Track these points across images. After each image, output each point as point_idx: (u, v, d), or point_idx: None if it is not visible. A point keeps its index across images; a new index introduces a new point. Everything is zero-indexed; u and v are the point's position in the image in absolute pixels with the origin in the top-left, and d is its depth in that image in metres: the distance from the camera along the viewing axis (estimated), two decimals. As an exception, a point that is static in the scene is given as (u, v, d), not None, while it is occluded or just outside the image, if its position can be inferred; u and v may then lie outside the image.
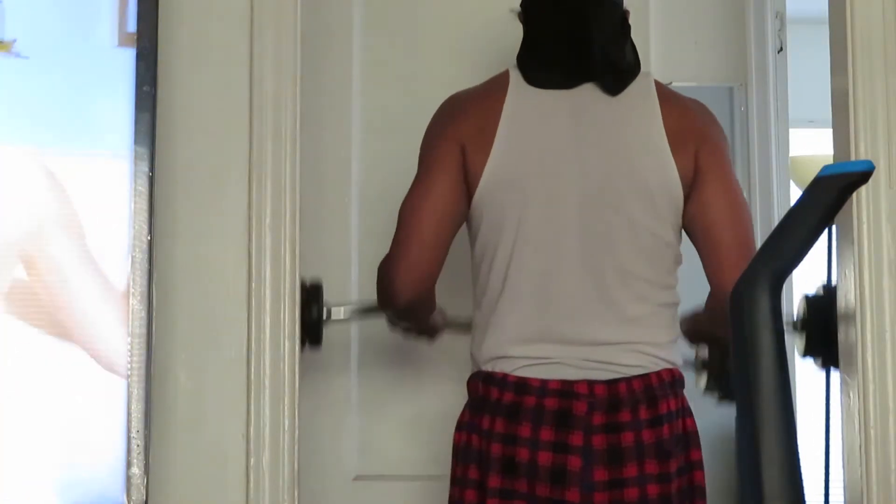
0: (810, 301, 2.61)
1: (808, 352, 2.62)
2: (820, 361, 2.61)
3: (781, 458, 1.42)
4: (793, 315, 2.63)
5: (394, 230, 2.49)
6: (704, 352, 2.63)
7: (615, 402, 2.34)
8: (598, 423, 2.33)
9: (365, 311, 2.80)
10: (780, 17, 3.43)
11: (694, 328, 2.58)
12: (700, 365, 2.64)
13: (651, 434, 2.34)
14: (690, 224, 2.44)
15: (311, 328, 2.62)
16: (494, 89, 2.47)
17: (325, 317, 2.66)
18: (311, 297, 2.63)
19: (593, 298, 2.38)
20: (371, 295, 2.57)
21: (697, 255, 2.48)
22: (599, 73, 2.44)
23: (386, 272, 2.49)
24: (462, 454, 2.41)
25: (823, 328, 2.58)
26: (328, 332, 2.66)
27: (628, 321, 2.38)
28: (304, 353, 2.59)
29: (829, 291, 2.59)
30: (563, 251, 2.39)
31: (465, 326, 2.53)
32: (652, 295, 2.41)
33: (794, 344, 2.66)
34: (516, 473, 2.33)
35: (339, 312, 2.77)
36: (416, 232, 2.44)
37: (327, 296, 2.67)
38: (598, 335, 2.37)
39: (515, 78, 2.46)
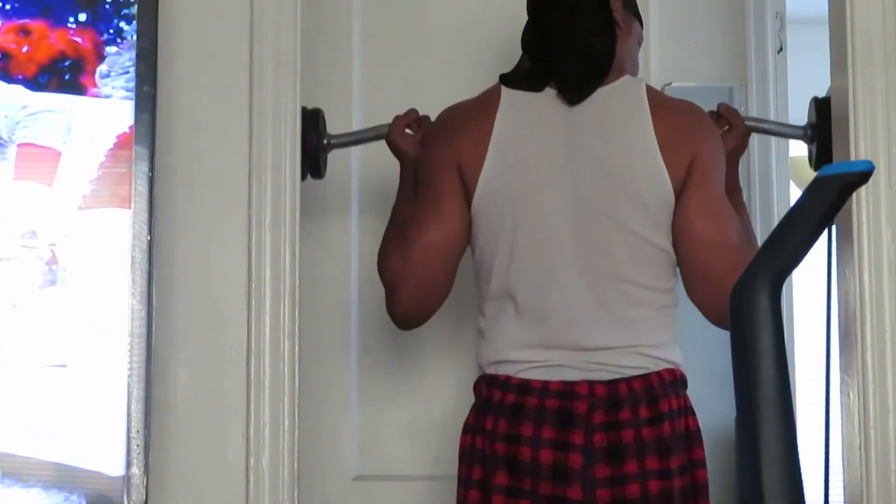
0: (820, 105, 2.66)
1: (819, 162, 2.66)
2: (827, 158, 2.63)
3: (781, 458, 1.42)
4: (793, 334, 2.63)
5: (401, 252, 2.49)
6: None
7: (615, 402, 2.35)
8: (599, 421, 2.34)
9: (364, 139, 2.81)
10: (780, 17, 3.42)
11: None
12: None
13: (651, 431, 2.34)
14: (673, 239, 2.42)
15: (312, 158, 2.65)
16: (487, 102, 2.46)
17: (325, 143, 2.68)
18: (310, 123, 2.65)
19: (591, 306, 2.38)
20: (370, 299, 2.56)
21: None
22: (567, 79, 2.42)
23: (390, 294, 2.49)
24: (467, 455, 2.42)
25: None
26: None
27: (627, 325, 2.38)
28: (305, 184, 2.60)
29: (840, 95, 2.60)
30: (559, 260, 2.39)
31: None
32: (650, 299, 2.40)
33: (805, 151, 2.72)
34: (519, 472, 2.34)
35: (339, 140, 2.77)
36: (423, 265, 2.45)
37: (325, 294, 2.67)
38: (598, 341, 2.37)
39: (507, 89, 2.46)
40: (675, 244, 2.42)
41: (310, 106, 2.67)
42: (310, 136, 2.64)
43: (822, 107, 2.67)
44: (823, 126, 2.65)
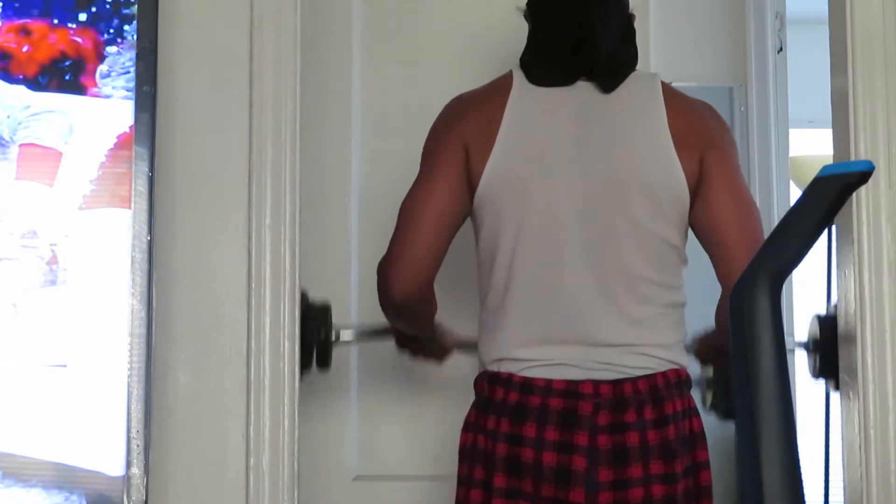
0: (822, 321, 2.62)
1: (821, 373, 2.62)
2: (833, 384, 2.60)
3: (781, 458, 1.42)
4: (793, 334, 2.62)
5: (394, 230, 2.49)
6: (710, 370, 2.63)
7: (620, 403, 2.34)
8: (604, 423, 2.33)
9: (373, 334, 2.79)
10: (780, 17, 3.43)
11: (704, 347, 2.57)
12: (707, 383, 2.63)
13: (656, 434, 2.34)
14: (699, 229, 2.43)
15: (321, 351, 2.63)
16: (498, 90, 2.46)
17: (333, 339, 2.67)
18: (320, 318, 2.64)
19: (598, 301, 2.37)
20: (371, 299, 2.56)
21: (701, 255, 2.47)
22: (598, 71, 2.43)
23: (383, 269, 2.48)
24: (468, 454, 2.41)
25: (836, 349, 2.59)
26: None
27: (633, 323, 2.38)
28: (311, 376, 2.60)
29: (837, 307, 2.59)
30: (565, 254, 2.38)
31: (475, 347, 2.51)
32: (657, 296, 2.40)
33: (806, 364, 2.67)
34: (521, 473, 2.33)
35: (346, 335, 2.77)
36: (414, 231, 2.44)
37: (325, 294, 2.67)
38: (603, 337, 2.37)
39: (518, 78, 2.45)
40: (700, 226, 2.42)
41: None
42: (320, 332, 2.64)
43: (825, 324, 2.62)
44: (827, 341, 2.61)
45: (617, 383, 2.35)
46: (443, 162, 2.44)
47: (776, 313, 1.45)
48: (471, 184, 2.42)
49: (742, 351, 1.45)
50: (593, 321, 2.37)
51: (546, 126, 2.42)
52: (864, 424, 2.46)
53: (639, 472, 2.32)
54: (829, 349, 2.60)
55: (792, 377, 2.60)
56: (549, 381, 2.35)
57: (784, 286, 1.50)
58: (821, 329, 2.62)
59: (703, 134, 2.43)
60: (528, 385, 2.36)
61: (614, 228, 2.38)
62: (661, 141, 2.39)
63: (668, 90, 2.47)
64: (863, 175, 1.47)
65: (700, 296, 2.50)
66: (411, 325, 2.66)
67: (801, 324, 3.56)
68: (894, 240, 2.51)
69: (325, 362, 2.66)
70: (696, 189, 2.40)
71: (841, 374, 2.55)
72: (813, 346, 2.64)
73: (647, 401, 2.35)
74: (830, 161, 2.55)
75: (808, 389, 2.83)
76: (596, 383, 2.35)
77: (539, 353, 2.37)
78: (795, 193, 2.39)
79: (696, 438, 2.40)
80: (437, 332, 2.69)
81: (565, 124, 2.42)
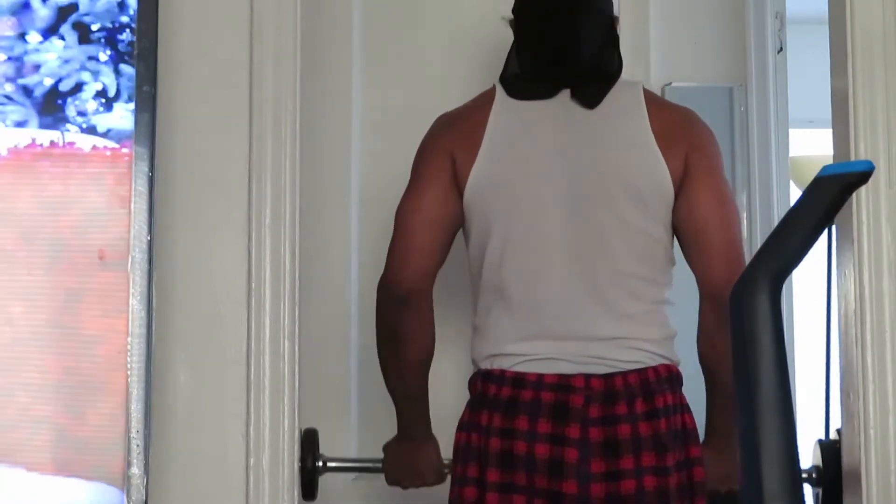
0: (825, 448, 2.57)
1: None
2: None
3: (781, 458, 1.42)
4: (793, 340, 2.61)
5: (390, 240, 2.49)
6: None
7: (611, 395, 2.36)
8: (595, 415, 2.34)
9: (362, 469, 2.79)
10: (780, 17, 3.43)
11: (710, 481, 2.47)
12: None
13: (647, 427, 2.35)
14: (678, 224, 2.44)
15: (307, 481, 2.60)
16: (481, 102, 2.50)
17: (320, 466, 2.63)
18: (306, 446, 2.60)
19: (586, 298, 2.39)
20: (370, 299, 2.56)
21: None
22: (580, 84, 2.45)
23: (387, 272, 2.48)
24: (462, 453, 2.43)
25: (840, 479, 2.53)
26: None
27: (623, 318, 2.39)
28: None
29: (843, 438, 2.53)
30: (553, 252, 2.40)
31: None
32: (646, 293, 2.42)
33: (810, 495, 2.58)
34: (514, 466, 2.34)
35: (334, 464, 2.72)
36: (408, 234, 2.46)
37: (328, 295, 2.67)
38: (593, 332, 2.38)
39: (501, 91, 2.48)
40: (680, 222, 2.43)
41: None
42: (306, 460, 2.60)
43: (827, 450, 2.57)
44: (830, 471, 2.54)
45: (608, 377, 2.37)
46: (430, 172, 2.47)
47: (776, 313, 1.45)
48: (458, 189, 2.44)
49: (742, 351, 1.45)
50: (583, 317, 2.39)
51: (530, 130, 2.45)
52: (864, 424, 2.47)
53: (630, 464, 2.33)
54: (834, 479, 2.54)
55: (792, 377, 2.60)
56: (540, 376, 2.37)
57: (784, 286, 1.50)
58: (823, 457, 2.55)
59: (686, 134, 2.46)
60: (520, 380, 2.38)
61: (601, 226, 2.40)
62: (645, 139, 2.42)
63: (650, 95, 2.50)
64: (863, 175, 1.47)
65: (697, 295, 2.50)
66: (408, 348, 2.56)
67: (801, 324, 3.57)
68: (894, 240, 2.51)
69: (311, 494, 2.62)
70: (680, 187, 2.42)
71: (841, 375, 2.55)
72: (816, 478, 2.56)
73: (637, 394, 2.36)
74: (830, 161, 2.54)
75: (808, 390, 2.83)
76: (587, 377, 2.36)
77: (530, 349, 2.39)
78: (795, 193, 2.39)
79: (689, 434, 2.41)
80: (432, 443, 2.62)
81: (549, 127, 2.45)
